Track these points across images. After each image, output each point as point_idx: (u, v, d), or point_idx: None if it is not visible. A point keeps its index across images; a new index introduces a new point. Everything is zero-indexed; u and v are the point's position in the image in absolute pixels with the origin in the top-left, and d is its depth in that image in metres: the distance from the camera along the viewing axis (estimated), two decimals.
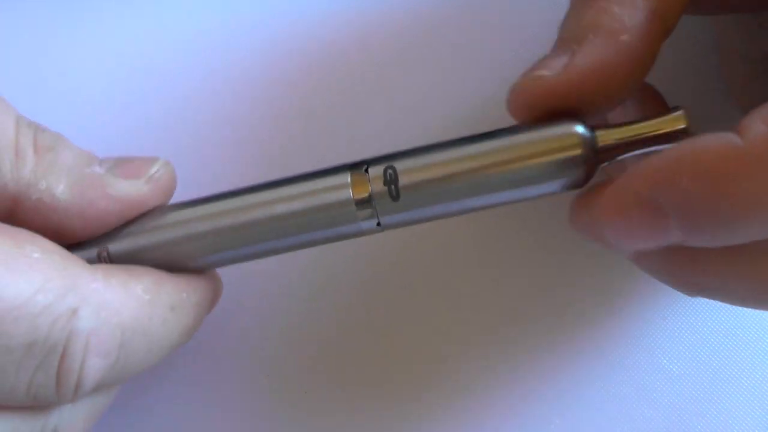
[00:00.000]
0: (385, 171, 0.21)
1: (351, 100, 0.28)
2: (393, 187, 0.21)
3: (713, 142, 0.17)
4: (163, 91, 0.29)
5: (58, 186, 0.20)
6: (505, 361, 0.26)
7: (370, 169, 0.21)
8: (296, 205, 0.21)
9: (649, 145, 0.21)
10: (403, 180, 0.21)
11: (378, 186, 0.21)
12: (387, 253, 0.27)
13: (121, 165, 0.22)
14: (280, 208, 0.21)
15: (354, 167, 0.21)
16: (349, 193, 0.21)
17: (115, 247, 0.22)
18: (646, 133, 0.21)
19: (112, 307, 0.19)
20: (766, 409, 0.25)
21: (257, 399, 0.26)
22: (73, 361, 0.19)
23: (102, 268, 0.20)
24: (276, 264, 0.26)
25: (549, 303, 0.26)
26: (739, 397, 0.25)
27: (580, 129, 0.20)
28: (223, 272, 0.24)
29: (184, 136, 0.28)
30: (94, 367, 0.19)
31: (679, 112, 0.20)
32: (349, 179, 0.21)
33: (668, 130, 0.20)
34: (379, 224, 0.21)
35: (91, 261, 0.21)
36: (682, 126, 0.20)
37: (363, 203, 0.21)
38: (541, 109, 0.21)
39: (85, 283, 0.19)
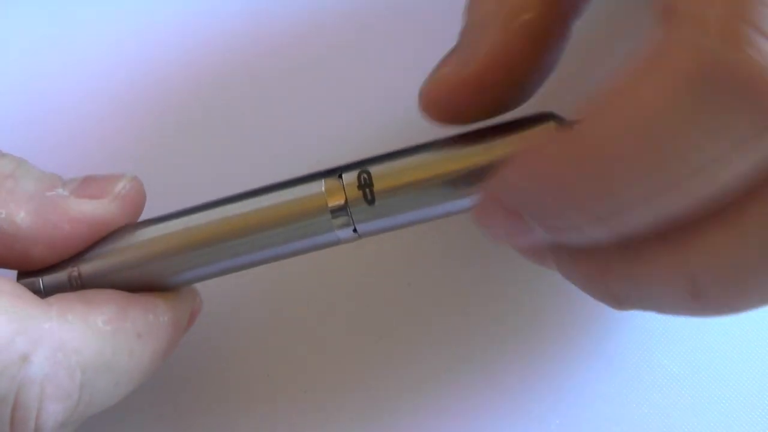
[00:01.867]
0: (359, 176, 0.20)
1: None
2: (368, 190, 0.20)
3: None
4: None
5: (19, 213, 0.20)
6: (505, 361, 0.26)
7: (344, 175, 0.21)
8: (271, 217, 0.21)
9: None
10: (378, 183, 0.20)
11: (353, 191, 0.20)
12: (387, 253, 0.27)
13: (86, 185, 0.21)
14: (254, 220, 0.21)
15: (328, 174, 0.21)
16: (324, 202, 0.20)
17: (86, 267, 0.21)
18: None
19: (69, 347, 0.18)
20: (766, 409, 0.25)
21: (257, 399, 0.26)
22: (27, 410, 0.18)
23: (57, 304, 0.19)
24: (276, 264, 0.26)
25: (548, 303, 0.26)
26: (739, 397, 0.25)
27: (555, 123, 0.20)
28: None
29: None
30: (53, 413, 0.18)
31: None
32: (323, 187, 0.21)
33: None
34: (355, 230, 0.21)
35: (61, 283, 0.21)
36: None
37: (338, 211, 0.20)
38: (454, 108, 0.20)
39: (37, 324, 0.18)
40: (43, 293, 0.21)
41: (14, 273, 0.22)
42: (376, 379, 0.26)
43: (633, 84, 0.15)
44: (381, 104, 0.28)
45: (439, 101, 0.20)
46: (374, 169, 0.20)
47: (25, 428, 0.18)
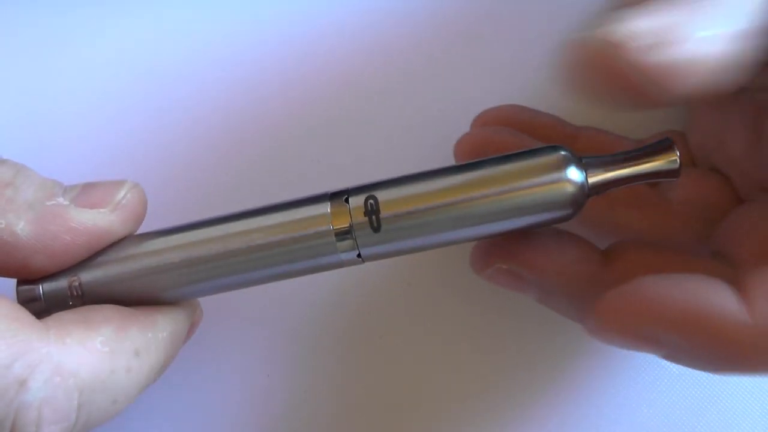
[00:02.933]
0: (366, 201, 0.20)
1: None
2: (374, 217, 0.20)
3: (724, 310, 0.18)
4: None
5: (18, 223, 0.20)
6: (505, 361, 0.26)
7: (350, 199, 0.20)
8: (274, 236, 0.20)
9: (640, 181, 0.20)
10: (385, 211, 0.20)
11: (358, 217, 0.20)
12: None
13: (86, 193, 0.21)
14: (258, 239, 0.21)
15: (334, 197, 0.21)
16: (329, 224, 0.20)
17: (86, 276, 0.21)
18: (637, 170, 0.20)
19: (67, 370, 0.18)
20: (766, 409, 0.25)
21: (257, 399, 0.26)
22: None
23: (56, 327, 0.19)
24: None
25: None
26: (739, 397, 0.25)
27: (570, 166, 0.19)
28: None
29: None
30: None
31: (673, 152, 0.20)
32: (328, 209, 0.20)
33: (661, 169, 0.20)
34: (359, 256, 0.21)
35: (61, 291, 0.21)
36: (675, 167, 0.20)
37: (343, 234, 0.20)
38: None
39: (35, 348, 0.18)
40: (42, 301, 0.21)
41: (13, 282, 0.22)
42: (376, 379, 0.26)
43: None
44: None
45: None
46: (381, 195, 0.20)
47: None
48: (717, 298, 0.18)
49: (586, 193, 0.20)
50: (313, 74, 0.29)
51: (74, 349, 0.19)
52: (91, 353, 0.19)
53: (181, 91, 0.29)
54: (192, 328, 0.23)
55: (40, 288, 0.21)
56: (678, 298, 0.18)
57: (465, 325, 0.26)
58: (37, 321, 0.19)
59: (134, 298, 0.21)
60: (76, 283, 0.21)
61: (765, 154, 0.21)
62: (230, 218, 0.21)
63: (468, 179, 0.20)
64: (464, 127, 0.25)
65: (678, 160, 0.20)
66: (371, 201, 0.20)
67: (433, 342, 0.26)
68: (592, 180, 0.20)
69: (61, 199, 0.21)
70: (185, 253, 0.21)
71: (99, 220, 0.21)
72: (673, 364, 0.25)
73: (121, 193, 0.21)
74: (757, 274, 0.18)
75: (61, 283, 0.21)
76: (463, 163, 0.21)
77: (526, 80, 0.28)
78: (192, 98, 0.29)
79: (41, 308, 0.21)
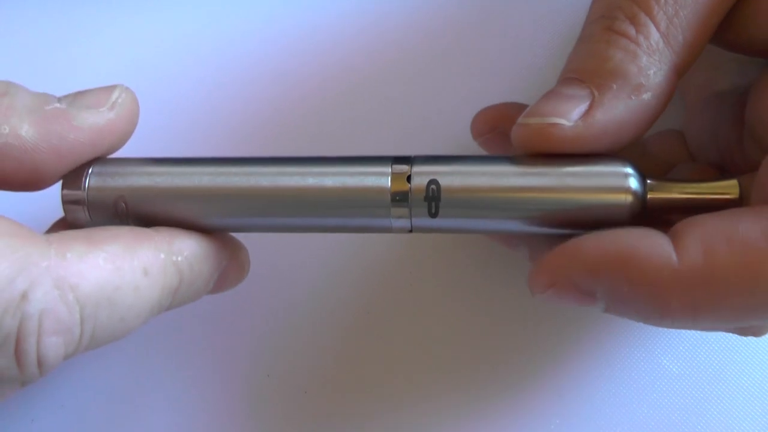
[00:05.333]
0: (428, 186, 0.20)
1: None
2: (434, 204, 0.20)
3: (652, 252, 0.18)
4: (187, 92, 0.29)
5: (22, 126, 0.20)
6: (505, 361, 0.26)
7: (413, 175, 0.20)
8: (329, 181, 0.20)
9: (696, 211, 0.20)
10: (445, 197, 0.20)
11: (418, 197, 0.20)
12: (388, 256, 0.27)
13: (82, 97, 0.22)
14: (312, 181, 0.21)
15: (396, 161, 0.21)
16: (387, 184, 0.20)
17: (131, 192, 0.21)
18: (698, 197, 0.20)
19: (67, 283, 0.19)
20: (766, 409, 0.25)
21: (257, 399, 0.26)
22: (28, 344, 0.18)
23: (57, 242, 0.19)
24: (277, 264, 0.26)
25: (548, 303, 0.26)
26: (739, 397, 0.25)
27: (632, 177, 0.20)
28: None
29: (188, 139, 0.28)
30: (53, 346, 0.19)
31: (733, 181, 0.20)
32: (390, 170, 0.20)
33: (720, 197, 0.20)
34: (411, 230, 0.21)
35: (108, 207, 0.21)
36: (735, 196, 0.20)
37: (399, 200, 0.20)
38: (546, 150, 0.20)
39: (35, 261, 0.18)
40: (86, 205, 0.21)
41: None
42: (376, 379, 0.26)
43: None
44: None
45: (538, 143, 0.20)
46: (444, 181, 0.20)
47: (28, 360, 0.19)
48: (647, 243, 0.18)
49: (644, 207, 0.20)
50: (313, 75, 0.29)
51: (74, 263, 0.19)
52: (92, 268, 0.19)
53: (182, 90, 0.29)
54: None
55: (85, 187, 0.21)
56: (608, 246, 0.19)
57: (465, 325, 0.26)
58: (38, 236, 0.19)
59: (177, 220, 0.21)
60: (122, 201, 0.21)
61: (749, 144, 0.22)
62: (288, 160, 0.21)
63: (530, 173, 0.20)
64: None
65: (738, 186, 0.20)
66: (433, 186, 0.20)
67: (433, 342, 0.26)
68: (651, 197, 0.20)
69: (58, 105, 0.21)
70: (239, 180, 0.21)
71: (100, 117, 0.21)
72: (673, 364, 0.25)
73: (115, 94, 0.22)
74: (692, 222, 0.19)
75: (107, 196, 0.21)
76: (524, 155, 0.21)
77: (527, 80, 0.28)
78: (192, 98, 0.29)
79: (83, 216, 0.22)
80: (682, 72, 0.20)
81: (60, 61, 0.29)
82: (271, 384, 0.26)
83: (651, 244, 0.18)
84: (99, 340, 0.20)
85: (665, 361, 0.25)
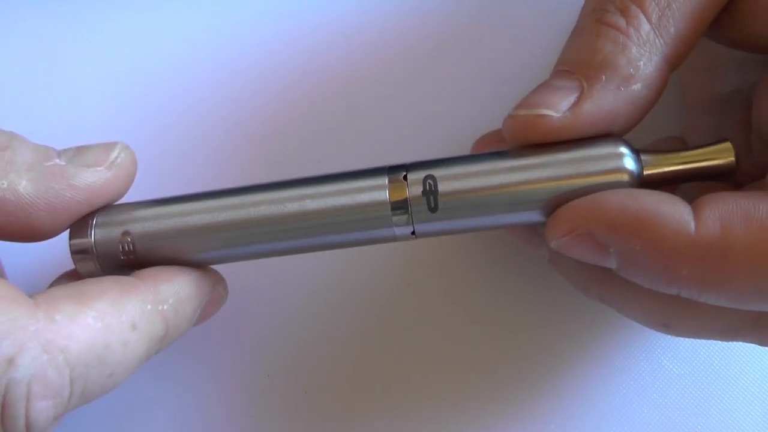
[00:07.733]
0: (424, 181, 0.20)
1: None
2: (432, 198, 0.20)
3: (672, 218, 0.18)
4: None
5: (20, 182, 0.20)
6: (506, 362, 0.26)
7: (409, 177, 0.20)
8: (329, 201, 0.21)
9: (694, 180, 0.20)
10: (443, 190, 0.20)
11: (416, 195, 0.20)
12: (389, 257, 0.27)
13: (81, 154, 0.22)
14: (311, 204, 0.21)
15: (392, 171, 0.21)
16: (386, 196, 0.20)
17: (137, 230, 0.22)
18: (693, 165, 0.20)
19: (56, 347, 0.18)
20: (766, 409, 0.25)
21: (257, 399, 0.26)
22: (16, 409, 0.18)
23: (45, 304, 0.19)
24: (278, 265, 0.26)
25: (548, 303, 0.26)
26: (739, 397, 0.25)
27: (627, 156, 0.20)
28: (224, 272, 0.24)
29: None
30: (43, 410, 0.18)
31: (726, 144, 0.20)
32: (386, 182, 0.21)
33: (716, 163, 0.20)
34: (413, 233, 0.21)
35: (113, 246, 0.21)
36: (731, 159, 0.20)
37: (399, 208, 0.20)
38: (535, 141, 0.20)
39: (23, 326, 0.18)
40: (94, 254, 0.22)
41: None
42: (376, 379, 0.26)
43: None
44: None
45: (529, 134, 0.20)
46: (439, 174, 0.20)
47: (15, 425, 0.18)
48: (668, 207, 0.18)
49: (641, 178, 0.20)
50: (312, 75, 0.29)
51: (64, 326, 0.19)
52: (82, 329, 0.19)
53: (181, 91, 0.29)
54: (213, 305, 0.23)
55: (92, 238, 0.22)
56: (631, 204, 0.19)
57: (465, 325, 0.26)
58: (26, 298, 0.19)
59: (183, 257, 0.22)
60: (128, 238, 0.22)
61: (758, 147, 0.22)
62: (283, 185, 0.21)
63: (526, 163, 0.20)
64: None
65: (734, 160, 0.20)
66: (430, 181, 0.20)
67: (432, 342, 0.26)
68: (647, 173, 0.20)
69: (58, 161, 0.21)
70: (241, 213, 0.21)
71: (97, 177, 0.22)
72: (673, 364, 0.25)
73: (115, 153, 0.22)
74: (715, 197, 0.19)
75: (113, 234, 0.22)
76: (519, 147, 0.21)
77: (525, 81, 0.28)
78: (192, 98, 0.29)
79: (92, 265, 0.22)
80: (675, 64, 0.20)
81: (60, 61, 0.29)
82: (271, 384, 0.26)
83: (672, 210, 0.18)
84: (89, 397, 0.20)
85: (665, 361, 0.25)
